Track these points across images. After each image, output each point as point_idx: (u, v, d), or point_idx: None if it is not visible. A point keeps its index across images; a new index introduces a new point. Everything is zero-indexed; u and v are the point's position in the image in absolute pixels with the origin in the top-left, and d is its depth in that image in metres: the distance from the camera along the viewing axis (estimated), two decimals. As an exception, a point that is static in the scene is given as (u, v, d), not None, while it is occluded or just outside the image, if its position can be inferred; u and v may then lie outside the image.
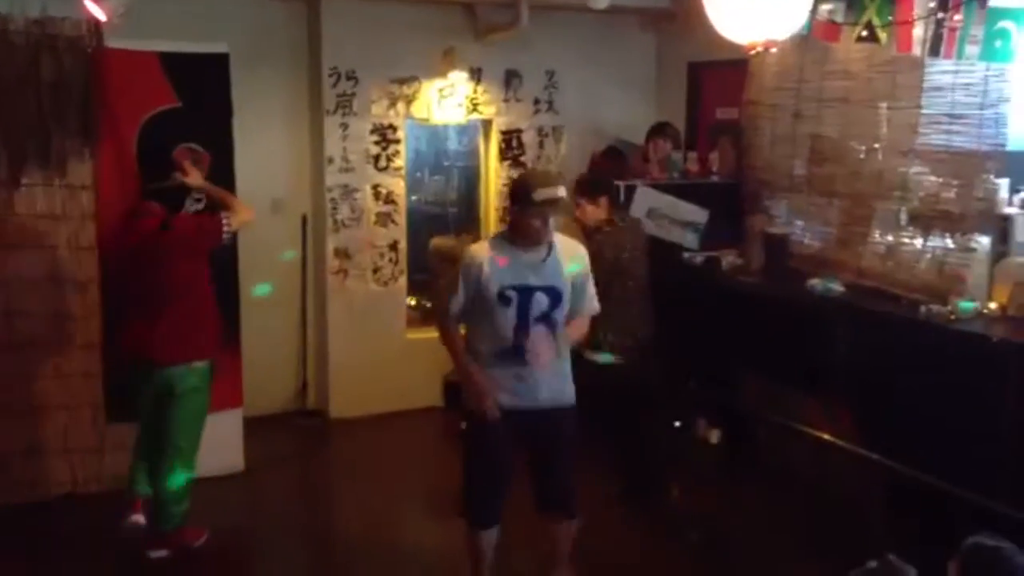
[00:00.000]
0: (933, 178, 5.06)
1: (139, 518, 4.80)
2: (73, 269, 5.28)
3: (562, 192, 3.95)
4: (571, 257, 4.05)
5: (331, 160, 6.65)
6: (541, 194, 3.85)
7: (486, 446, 4.05)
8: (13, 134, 5.04)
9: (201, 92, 5.39)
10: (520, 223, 3.95)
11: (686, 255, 6.20)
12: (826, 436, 5.28)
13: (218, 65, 5.46)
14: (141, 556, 4.71)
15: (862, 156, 5.47)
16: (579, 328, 4.17)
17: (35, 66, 5.02)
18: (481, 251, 4.02)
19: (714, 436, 6.13)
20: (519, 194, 3.95)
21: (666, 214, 6.19)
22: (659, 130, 6.70)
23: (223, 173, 5.28)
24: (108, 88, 5.19)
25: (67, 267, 5.27)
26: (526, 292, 3.93)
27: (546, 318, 3.97)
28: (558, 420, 4.08)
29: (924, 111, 5.08)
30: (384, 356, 6.78)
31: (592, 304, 4.18)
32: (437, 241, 6.89)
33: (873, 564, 2.59)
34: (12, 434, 5.25)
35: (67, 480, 5.38)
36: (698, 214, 6.26)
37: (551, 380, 4.03)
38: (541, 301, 3.94)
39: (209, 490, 5.47)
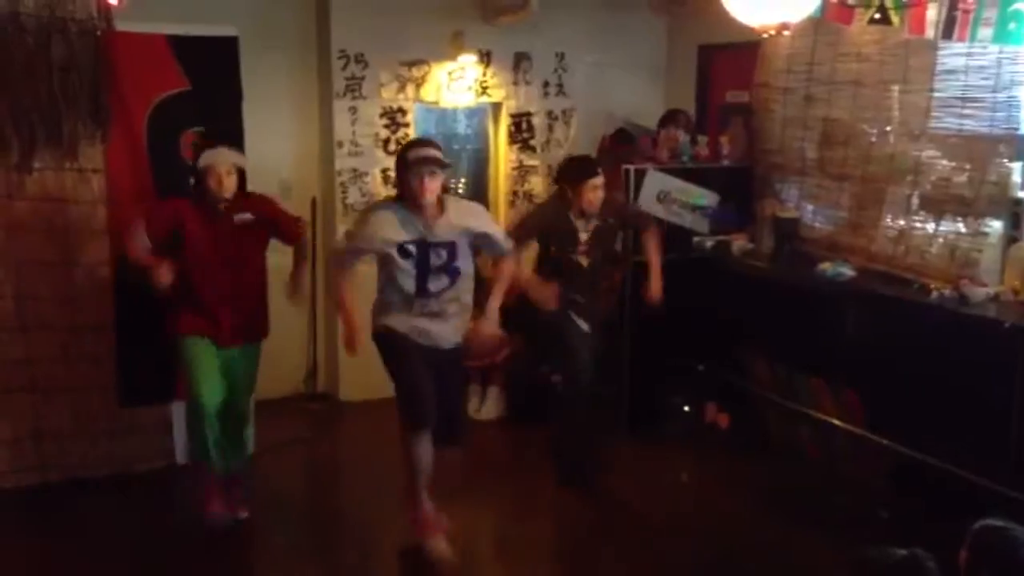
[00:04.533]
0: (945, 162, 5.03)
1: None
2: (84, 253, 5.29)
3: (431, 152, 4.33)
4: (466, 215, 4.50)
5: (340, 144, 6.63)
6: (413, 155, 4.28)
7: (403, 352, 4.43)
8: (24, 118, 5.04)
9: (211, 75, 5.39)
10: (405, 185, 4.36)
11: (696, 239, 6.18)
12: (835, 420, 5.29)
13: (228, 48, 5.47)
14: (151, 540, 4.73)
15: (874, 139, 5.44)
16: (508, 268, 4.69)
17: (45, 49, 5.02)
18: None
19: (723, 420, 6.13)
20: (399, 161, 4.43)
21: (676, 198, 6.17)
22: (671, 118, 6.65)
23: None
24: (118, 71, 5.19)
25: (78, 251, 5.28)
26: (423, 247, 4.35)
27: (446, 269, 4.39)
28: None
29: (936, 94, 5.04)
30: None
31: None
32: None
33: (901, 552, 2.57)
34: (21, 417, 5.28)
35: (76, 463, 5.40)
36: (708, 198, 6.25)
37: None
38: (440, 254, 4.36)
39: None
